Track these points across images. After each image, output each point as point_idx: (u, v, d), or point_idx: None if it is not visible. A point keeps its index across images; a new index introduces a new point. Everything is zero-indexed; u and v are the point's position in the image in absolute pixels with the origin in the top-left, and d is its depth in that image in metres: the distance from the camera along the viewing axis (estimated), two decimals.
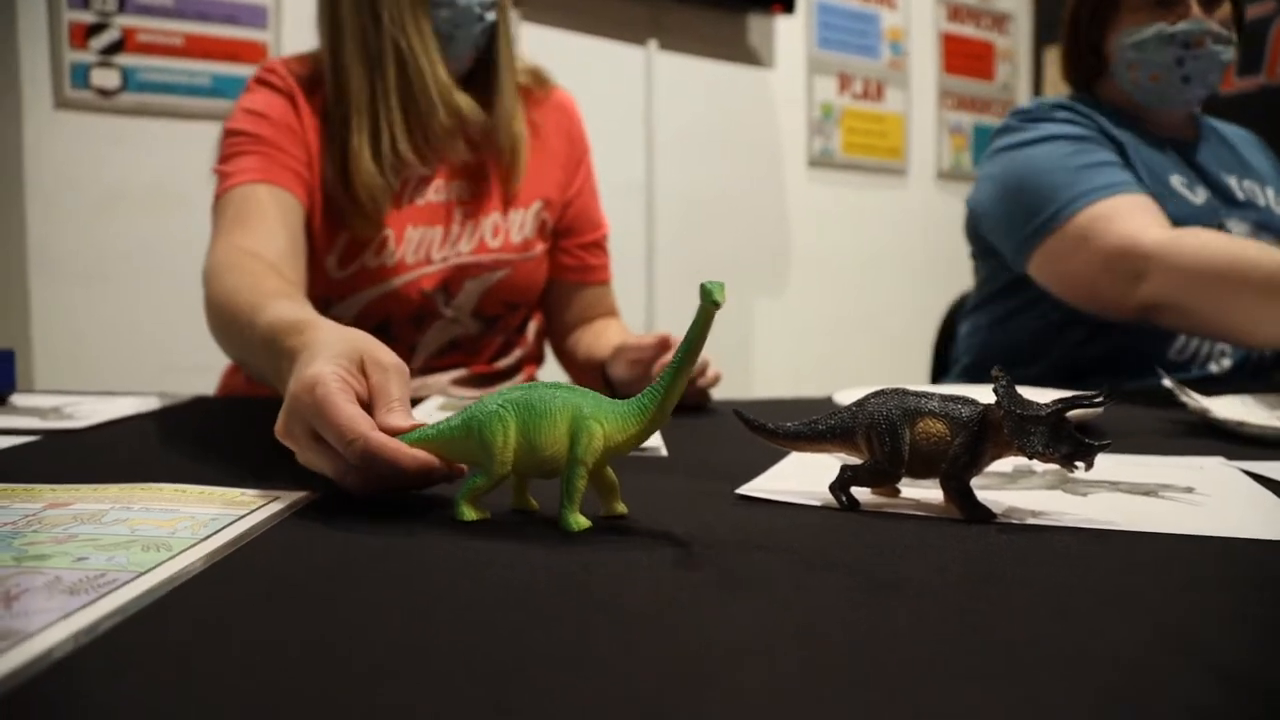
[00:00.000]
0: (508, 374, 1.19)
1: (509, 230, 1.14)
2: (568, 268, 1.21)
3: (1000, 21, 3.43)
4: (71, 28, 2.10)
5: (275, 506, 0.45)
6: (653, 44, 2.71)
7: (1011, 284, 1.28)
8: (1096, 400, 0.45)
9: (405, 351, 1.08)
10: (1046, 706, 0.25)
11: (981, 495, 0.48)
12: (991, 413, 0.46)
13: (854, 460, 0.50)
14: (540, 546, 0.41)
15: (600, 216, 1.25)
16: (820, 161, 3.04)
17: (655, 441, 0.70)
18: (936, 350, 1.68)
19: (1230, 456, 0.65)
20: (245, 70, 2.19)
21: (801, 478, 0.57)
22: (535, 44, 2.51)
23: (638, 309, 2.67)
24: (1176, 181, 1.20)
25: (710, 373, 0.97)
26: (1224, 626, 0.32)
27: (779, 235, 3.00)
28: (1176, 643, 0.30)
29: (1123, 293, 1.08)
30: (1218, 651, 0.29)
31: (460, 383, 1.14)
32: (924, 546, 0.42)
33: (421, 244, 1.09)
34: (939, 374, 1.65)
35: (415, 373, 1.12)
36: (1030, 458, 0.45)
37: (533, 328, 1.24)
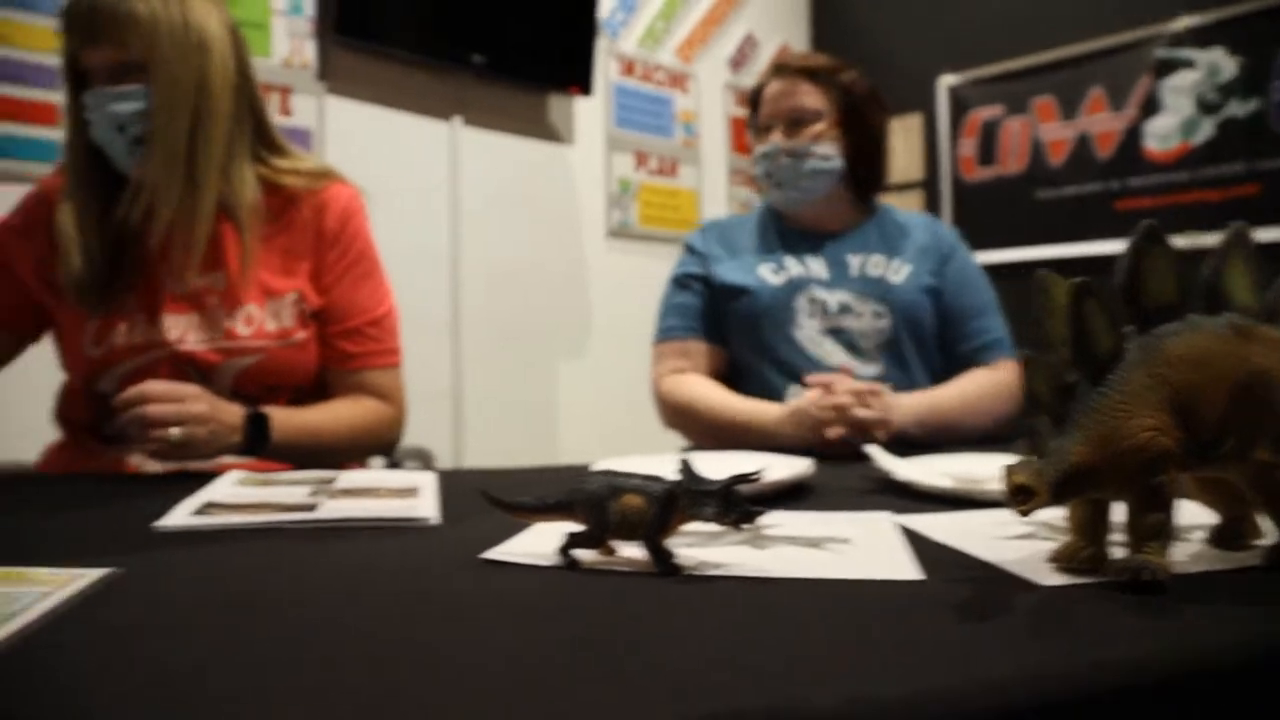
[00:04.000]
0: None
1: (264, 319, 1.21)
2: (327, 355, 1.28)
3: None
4: None
5: (80, 583, 0.52)
6: (457, 120, 2.82)
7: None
8: (752, 477, 0.59)
9: None
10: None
11: (686, 551, 0.61)
12: (676, 488, 0.59)
13: (575, 527, 0.62)
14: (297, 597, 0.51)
15: (367, 304, 1.29)
16: (619, 232, 3.24)
17: (429, 511, 0.80)
18: None
19: (899, 511, 0.82)
20: (33, 131, 2.15)
21: (536, 543, 0.68)
22: (343, 119, 2.57)
23: (444, 374, 2.74)
24: (764, 270, 1.53)
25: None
26: (791, 646, 0.46)
27: (581, 302, 3.16)
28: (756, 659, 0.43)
29: (659, 412, 1.57)
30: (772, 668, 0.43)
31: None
32: (622, 594, 0.54)
33: (175, 327, 1.18)
34: None
35: None
36: (706, 521, 0.58)
37: None
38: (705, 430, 1.46)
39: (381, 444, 1.33)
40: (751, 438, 1.33)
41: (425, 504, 0.83)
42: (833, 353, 1.48)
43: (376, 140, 2.61)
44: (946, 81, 3.52)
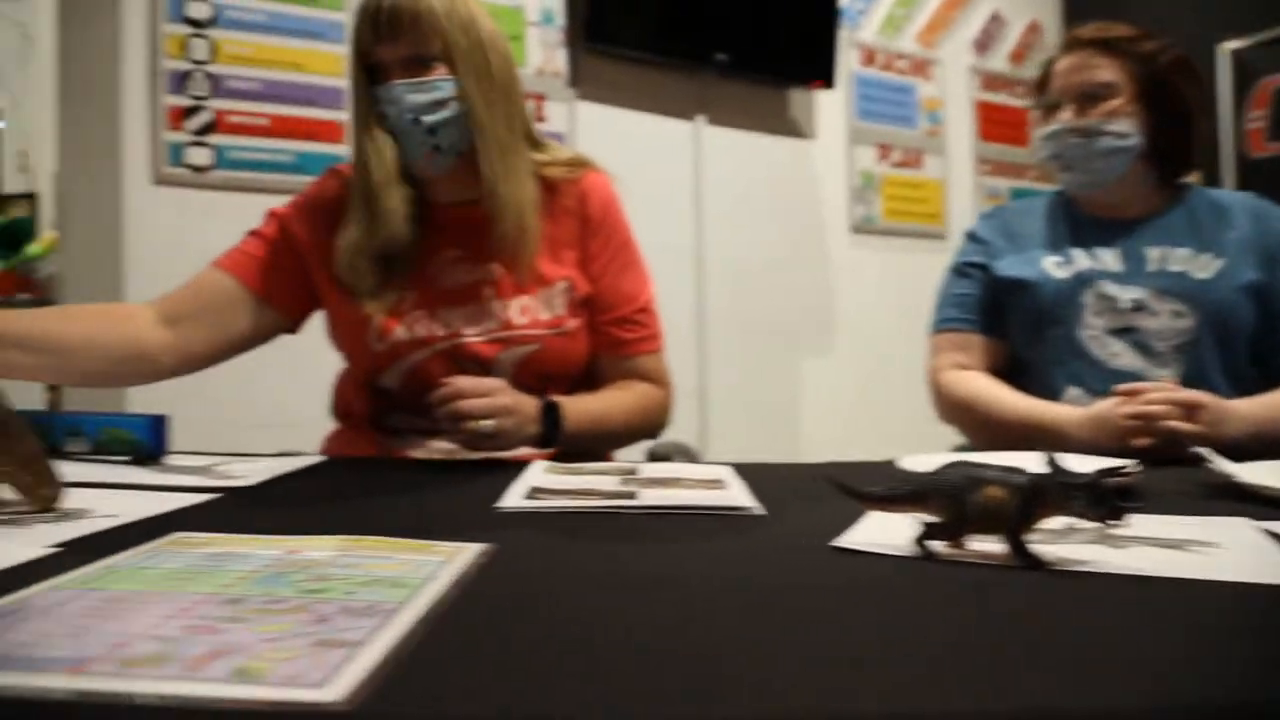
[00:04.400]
0: None
1: (537, 308, 1.24)
2: (599, 342, 1.30)
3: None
4: (169, 110, 2.28)
5: (471, 553, 0.57)
6: (701, 119, 2.86)
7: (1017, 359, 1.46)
8: (1129, 470, 0.55)
9: None
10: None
11: (1035, 548, 0.58)
12: (1042, 480, 0.56)
13: (930, 519, 0.60)
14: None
15: (633, 291, 1.31)
16: (862, 227, 3.16)
17: (750, 501, 0.80)
18: None
19: (1255, 518, 0.74)
20: (323, 148, 2.37)
21: (879, 533, 0.67)
22: (592, 122, 2.67)
23: (689, 372, 2.78)
24: (1048, 262, 1.42)
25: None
26: (1207, 654, 0.42)
27: (823, 299, 3.12)
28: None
29: (934, 404, 1.51)
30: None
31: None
32: (986, 586, 0.52)
33: (453, 320, 1.21)
34: None
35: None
36: (1074, 517, 0.55)
37: None
38: (988, 428, 1.38)
39: (655, 428, 1.35)
40: (1042, 439, 1.25)
41: (742, 494, 0.83)
42: (1120, 354, 1.36)
43: (623, 142, 2.69)
44: (1229, 47, 3.19)
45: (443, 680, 0.37)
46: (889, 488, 0.62)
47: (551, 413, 1.14)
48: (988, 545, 0.62)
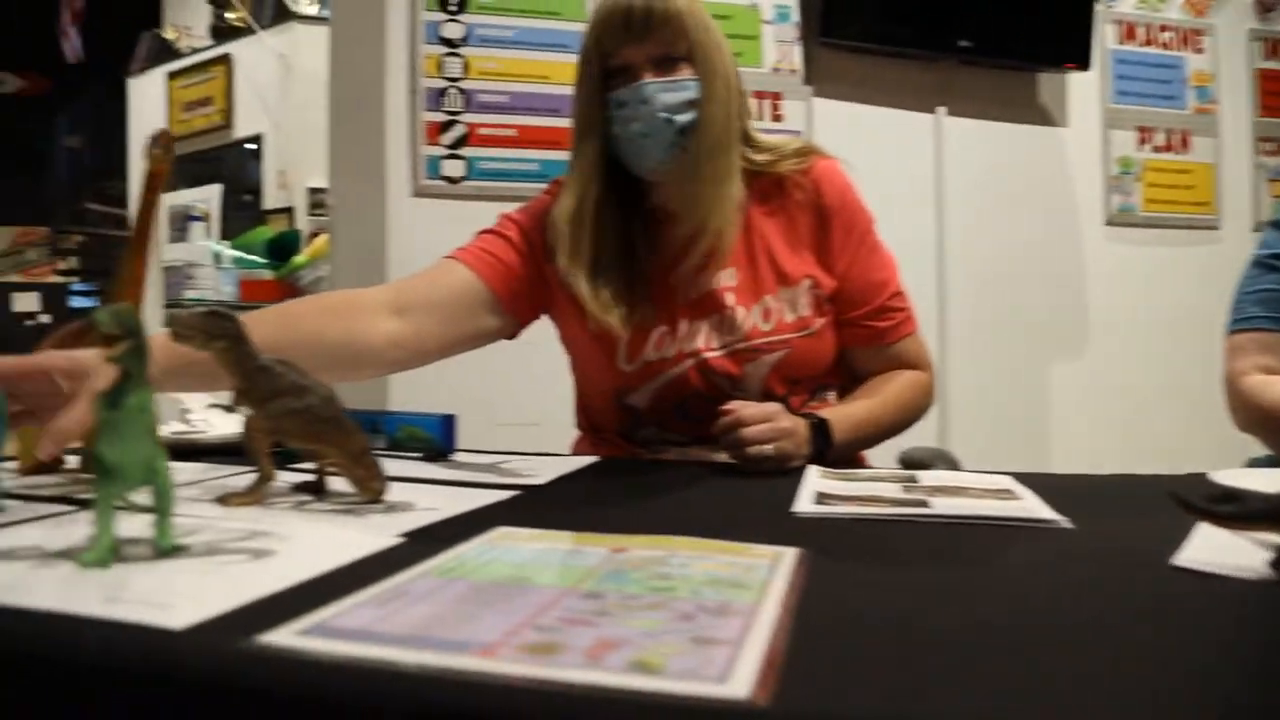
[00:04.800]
0: None
1: (782, 310, 1.21)
2: (856, 337, 1.26)
3: None
4: (427, 126, 2.44)
5: (790, 558, 0.56)
6: (941, 110, 2.74)
7: None
8: None
9: (708, 428, 1.13)
10: None
11: None
12: None
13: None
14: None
15: (884, 277, 1.26)
16: (1119, 219, 2.93)
17: (1052, 513, 0.75)
18: None
19: None
20: (567, 155, 2.45)
21: (1216, 551, 0.60)
22: (828, 119, 2.63)
23: None
24: None
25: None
26: None
27: (1075, 297, 2.92)
28: None
29: (1232, 410, 1.37)
30: None
31: None
32: None
33: (697, 334, 1.20)
34: None
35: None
36: None
37: (832, 396, 1.29)
38: None
39: (921, 414, 1.30)
40: None
41: (1039, 505, 0.78)
42: None
43: (861, 137, 2.61)
44: None
45: (826, 678, 0.37)
46: (1239, 506, 0.56)
47: (822, 430, 1.11)
48: None
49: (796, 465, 1.06)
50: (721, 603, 0.45)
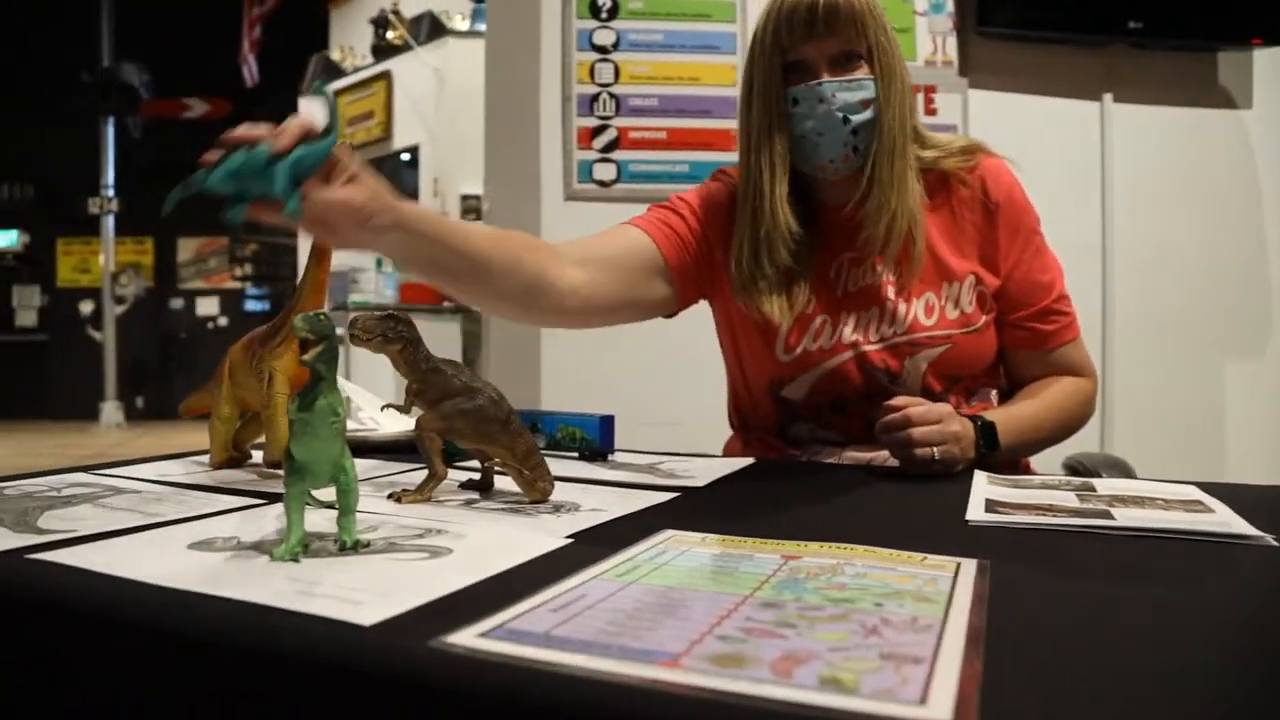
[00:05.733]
0: None
1: (944, 306, 1.18)
2: (1019, 339, 1.22)
3: None
4: (579, 131, 2.49)
5: (970, 569, 0.54)
6: (1107, 97, 2.60)
7: None
8: None
9: (862, 425, 1.14)
10: None
11: None
12: None
13: None
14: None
15: (1049, 279, 1.22)
16: None
17: (1251, 528, 0.70)
18: None
19: None
20: (715, 156, 2.45)
21: None
22: (985, 111, 2.53)
23: None
24: None
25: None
26: None
27: (1257, 292, 2.70)
28: None
29: None
30: None
31: None
32: None
33: (857, 326, 1.18)
34: None
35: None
36: None
37: (994, 395, 1.25)
38: None
39: (1082, 423, 1.25)
40: None
41: (1235, 519, 0.73)
42: None
43: (1020, 129, 2.50)
44: None
45: (1026, 702, 0.35)
46: None
47: (988, 432, 1.08)
48: None
49: (961, 466, 1.03)
50: (907, 617, 0.44)
